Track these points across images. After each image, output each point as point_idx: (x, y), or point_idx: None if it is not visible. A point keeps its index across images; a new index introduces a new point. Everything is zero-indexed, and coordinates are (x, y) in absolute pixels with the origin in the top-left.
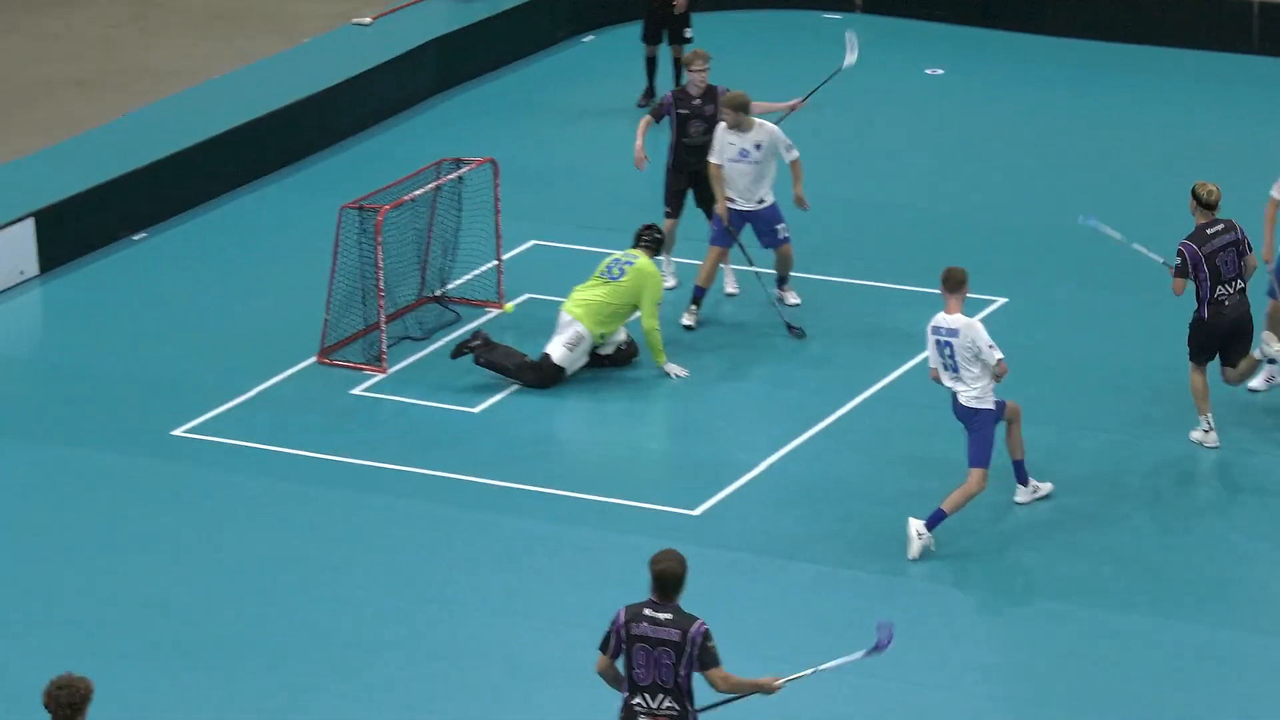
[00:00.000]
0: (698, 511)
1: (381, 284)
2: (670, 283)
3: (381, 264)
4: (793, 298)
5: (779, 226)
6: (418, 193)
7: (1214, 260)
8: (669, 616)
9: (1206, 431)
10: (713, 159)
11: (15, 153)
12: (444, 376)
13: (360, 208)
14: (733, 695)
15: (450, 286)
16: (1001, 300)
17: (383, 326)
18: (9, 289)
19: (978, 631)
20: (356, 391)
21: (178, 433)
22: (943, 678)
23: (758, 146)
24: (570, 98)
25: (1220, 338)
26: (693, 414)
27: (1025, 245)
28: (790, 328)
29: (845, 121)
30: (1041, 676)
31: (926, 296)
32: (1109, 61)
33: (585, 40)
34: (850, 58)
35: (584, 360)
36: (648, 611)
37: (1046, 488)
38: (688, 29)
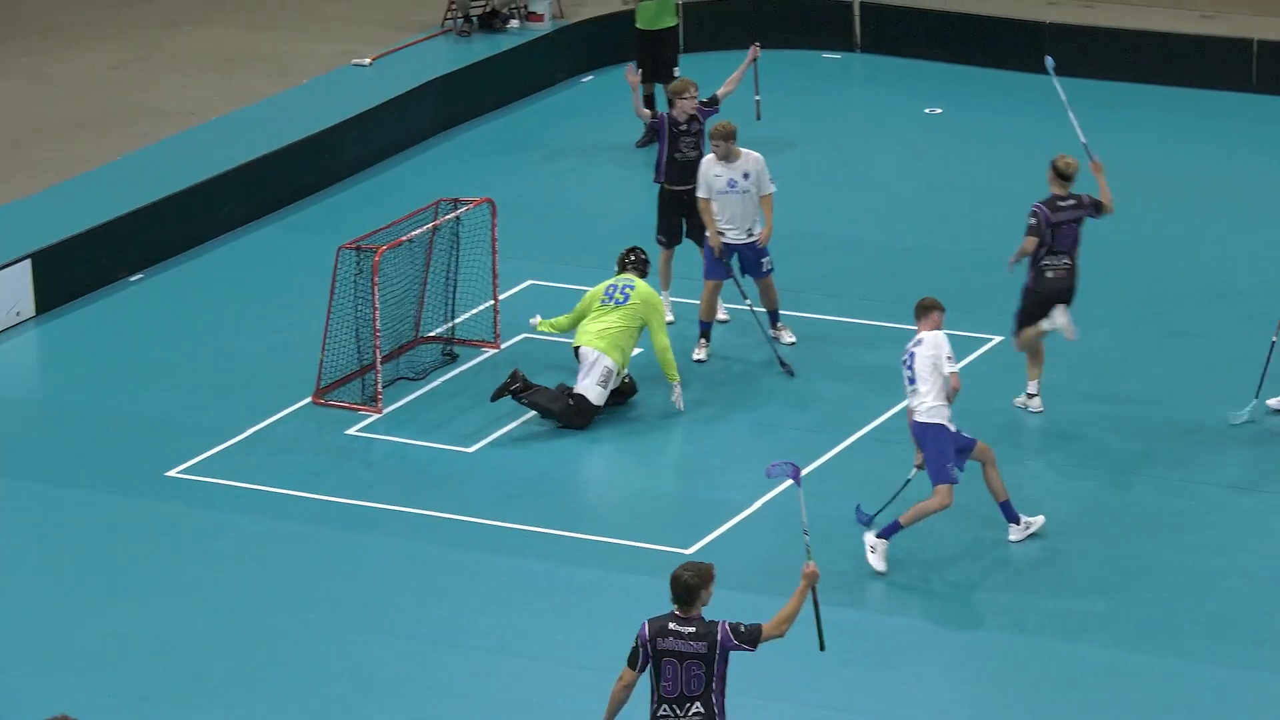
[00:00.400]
0: (691, 550)
1: (378, 324)
2: (668, 318)
3: (378, 304)
4: (788, 336)
5: (764, 260)
6: (415, 233)
7: (1057, 230)
8: (693, 630)
9: (1031, 396)
10: (701, 194)
11: (15, 194)
12: (439, 417)
13: (358, 248)
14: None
15: (447, 326)
16: (997, 338)
17: (378, 367)
18: (5, 330)
19: (970, 667)
20: (352, 432)
21: (173, 473)
22: (932, 712)
23: (746, 176)
24: (569, 137)
25: (1051, 299)
26: (687, 453)
27: (1021, 283)
28: (782, 363)
29: (844, 159)
30: (1032, 712)
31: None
32: (1107, 100)
33: (584, 80)
34: None
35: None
36: (673, 625)
37: (1038, 521)
38: (675, 67)
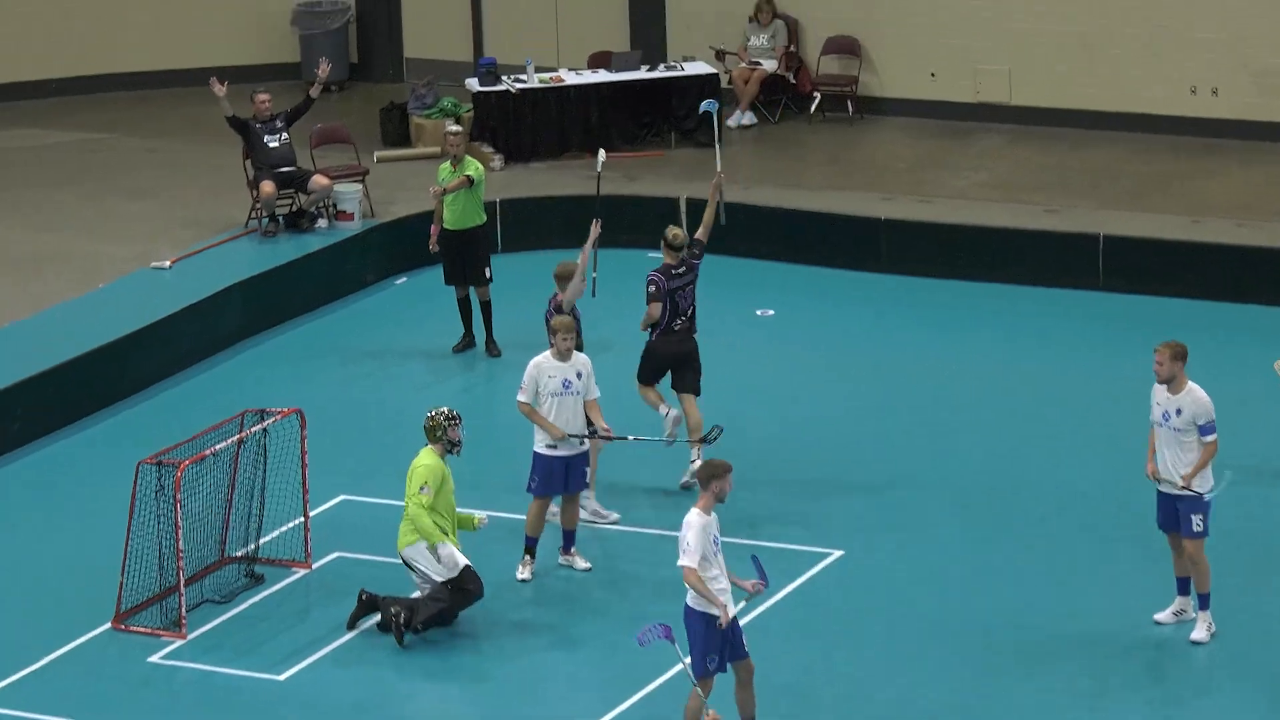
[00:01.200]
0: None
1: (181, 544)
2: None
3: (181, 523)
4: (582, 562)
5: (588, 469)
6: (219, 446)
7: (674, 295)
8: None
9: (667, 413)
10: (523, 399)
11: None
12: (247, 642)
13: (158, 463)
14: None
15: (253, 547)
16: (838, 553)
17: (182, 589)
18: None
19: None
20: (154, 659)
21: None
22: None
23: (579, 375)
24: (382, 342)
25: (670, 361)
26: (512, 674)
27: (860, 494)
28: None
29: None
30: None
31: (755, 550)
32: (948, 299)
33: (398, 283)
34: (600, 162)
35: (456, 550)
36: None
37: None
38: (487, 268)
